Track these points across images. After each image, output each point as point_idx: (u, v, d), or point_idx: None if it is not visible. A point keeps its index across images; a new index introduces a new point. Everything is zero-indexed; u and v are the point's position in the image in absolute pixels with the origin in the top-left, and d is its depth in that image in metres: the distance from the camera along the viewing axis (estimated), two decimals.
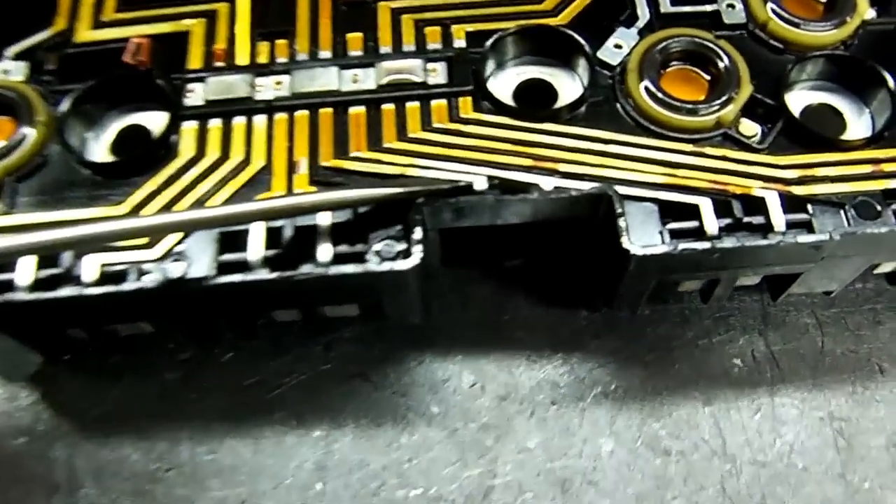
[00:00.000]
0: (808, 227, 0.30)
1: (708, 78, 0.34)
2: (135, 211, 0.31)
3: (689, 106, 0.32)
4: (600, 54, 0.34)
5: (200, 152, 0.32)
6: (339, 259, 0.30)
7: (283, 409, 0.35)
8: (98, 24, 0.36)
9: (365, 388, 0.35)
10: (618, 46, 0.34)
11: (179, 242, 0.30)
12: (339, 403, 0.35)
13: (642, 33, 0.34)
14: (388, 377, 0.35)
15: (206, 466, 0.34)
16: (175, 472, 0.33)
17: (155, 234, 0.30)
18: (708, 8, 0.35)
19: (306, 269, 0.29)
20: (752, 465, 0.33)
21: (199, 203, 0.31)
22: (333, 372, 0.35)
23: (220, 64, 0.34)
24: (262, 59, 0.34)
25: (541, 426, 0.34)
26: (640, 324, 0.36)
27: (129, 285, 0.29)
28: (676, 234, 0.30)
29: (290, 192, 0.31)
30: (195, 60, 0.34)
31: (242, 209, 0.29)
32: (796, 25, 0.34)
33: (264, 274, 0.29)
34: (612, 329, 0.36)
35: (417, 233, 0.29)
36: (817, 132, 0.32)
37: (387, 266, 0.29)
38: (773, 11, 0.34)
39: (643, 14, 0.35)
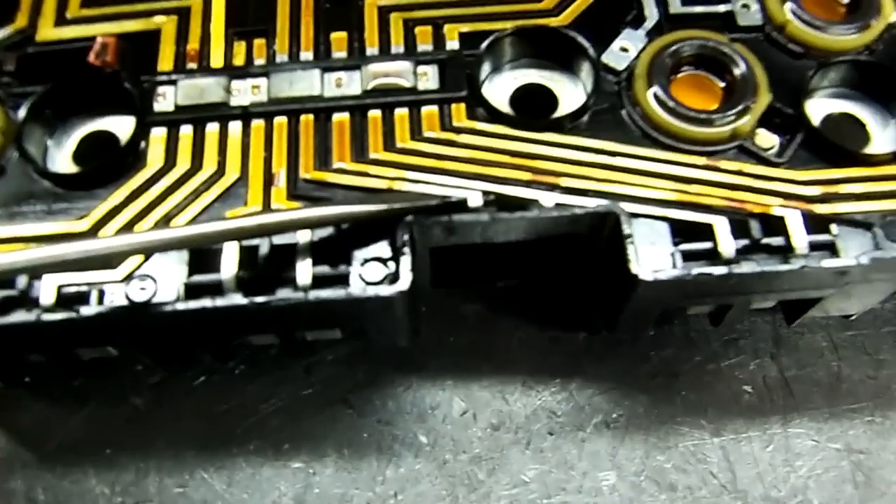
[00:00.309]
0: (831, 248, 0.29)
1: (722, 85, 0.33)
2: (97, 226, 0.30)
3: (703, 115, 0.31)
4: (605, 58, 0.33)
5: (170, 162, 0.31)
6: (319, 282, 0.28)
7: (260, 437, 0.34)
8: (62, 22, 0.34)
9: (348, 415, 0.34)
10: (624, 49, 0.33)
11: (144, 261, 0.29)
12: (320, 432, 0.34)
13: (651, 35, 0.33)
14: (373, 404, 0.34)
15: (176, 501, 0.33)
16: None
17: (117, 258, 0.28)
18: (721, 8, 0.34)
19: (284, 293, 0.28)
20: (764, 502, 0.32)
21: (168, 218, 0.30)
22: (314, 398, 0.34)
23: (192, 66, 0.33)
24: (239, 60, 0.33)
25: (537, 458, 0.33)
26: (643, 347, 0.35)
27: (88, 310, 0.28)
28: (689, 257, 0.29)
29: (267, 208, 0.30)
30: (166, 62, 0.33)
31: (214, 229, 0.27)
32: (817, 28, 0.33)
33: (237, 299, 0.28)
34: (613, 353, 0.35)
35: (406, 254, 0.28)
36: (841, 145, 0.31)
37: (372, 291, 0.27)
38: (793, 13, 0.33)
39: (651, 14, 0.34)
